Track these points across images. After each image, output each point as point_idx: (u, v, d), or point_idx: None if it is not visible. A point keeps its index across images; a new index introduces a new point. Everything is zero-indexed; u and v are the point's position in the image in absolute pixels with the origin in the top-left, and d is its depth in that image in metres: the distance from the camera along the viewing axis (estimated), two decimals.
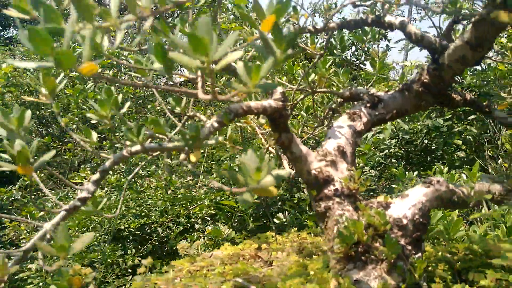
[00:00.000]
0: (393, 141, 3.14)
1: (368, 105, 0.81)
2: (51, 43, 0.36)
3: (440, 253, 0.75)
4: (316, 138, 1.50)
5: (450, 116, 2.79)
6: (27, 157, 0.50)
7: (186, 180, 3.07)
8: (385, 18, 0.77)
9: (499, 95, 0.98)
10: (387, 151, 3.20)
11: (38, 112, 5.57)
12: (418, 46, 0.76)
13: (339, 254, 0.63)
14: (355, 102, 0.86)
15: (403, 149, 3.28)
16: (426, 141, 3.29)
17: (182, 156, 0.53)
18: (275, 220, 1.28)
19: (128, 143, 0.57)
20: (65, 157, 4.63)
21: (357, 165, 0.86)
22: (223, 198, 2.61)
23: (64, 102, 4.80)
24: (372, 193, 2.30)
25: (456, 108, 0.84)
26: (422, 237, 0.65)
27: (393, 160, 3.18)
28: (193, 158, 0.50)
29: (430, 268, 0.68)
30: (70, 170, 5.31)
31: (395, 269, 0.60)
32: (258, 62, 0.43)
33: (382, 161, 3.17)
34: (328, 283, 0.62)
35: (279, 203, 2.19)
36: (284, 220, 1.36)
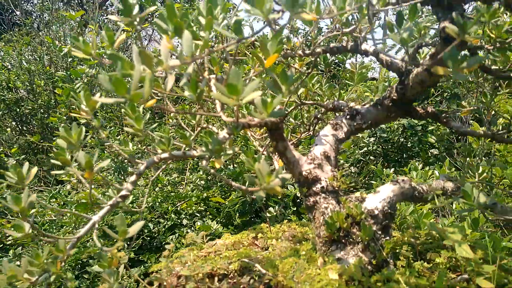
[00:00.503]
0: (372, 139, 3.37)
1: (348, 116, 0.99)
2: (125, 86, 0.52)
3: (405, 238, 0.94)
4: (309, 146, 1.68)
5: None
6: (91, 165, 0.66)
7: (172, 178, 3.19)
8: (361, 46, 0.95)
9: (461, 104, 1.18)
10: (366, 148, 3.43)
11: (18, 110, 5.59)
12: (388, 70, 0.94)
13: (325, 238, 0.82)
14: (337, 114, 1.05)
15: (381, 146, 3.52)
16: (402, 139, 3.55)
17: (205, 162, 0.69)
18: (267, 213, 1.46)
19: (159, 150, 0.73)
20: (51, 155, 4.65)
21: (338, 164, 1.05)
22: (210, 196, 2.77)
23: (45, 99, 4.84)
24: (352, 188, 2.51)
25: (420, 119, 1.04)
26: (390, 224, 0.84)
27: (371, 157, 3.41)
28: (217, 164, 0.67)
29: (397, 249, 0.87)
30: (54, 168, 5.35)
31: (368, 249, 0.78)
32: (270, 94, 0.60)
33: (362, 158, 3.40)
34: (316, 261, 0.80)
35: (264, 199, 2.38)
36: (275, 213, 1.54)
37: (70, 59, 3.98)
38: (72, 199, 2.69)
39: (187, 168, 3.28)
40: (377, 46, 0.92)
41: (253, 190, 0.60)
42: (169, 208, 2.74)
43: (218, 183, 2.91)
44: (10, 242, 2.34)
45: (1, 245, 2.35)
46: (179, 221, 2.66)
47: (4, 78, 5.58)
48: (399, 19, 0.80)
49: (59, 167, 4.29)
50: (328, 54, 1.05)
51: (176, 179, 3.14)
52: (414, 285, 0.70)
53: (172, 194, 2.76)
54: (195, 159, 3.17)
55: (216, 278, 0.84)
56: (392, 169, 2.40)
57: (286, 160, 0.89)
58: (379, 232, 0.80)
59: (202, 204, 2.84)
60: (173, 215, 2.65)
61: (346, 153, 3.08)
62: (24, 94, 6.04)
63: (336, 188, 0.87)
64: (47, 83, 6.21)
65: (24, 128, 5.86)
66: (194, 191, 2.87)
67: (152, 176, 2.94)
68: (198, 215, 2.72)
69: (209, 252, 0.97)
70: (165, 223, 2.58)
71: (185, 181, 3.03)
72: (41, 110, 6.10)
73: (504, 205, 0.82)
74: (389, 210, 0.83)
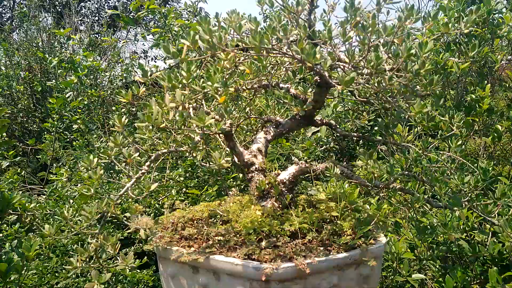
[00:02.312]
0: (330, 138, 4.15)
1: (274, 126, 1.74)
2: (150, 118, 1.23)
3: (307, 197, 1.69)
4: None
5: (373, 117, 3.80)
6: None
7: (154, 175, 3.86)
8: (280, 85, 1.70)
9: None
10: (325, 146, 4.21)
11: None
12: (296, 99, 1.69)
13: (256, 196, 1.56)
14: (268, 124, 1.79)
15: (338, 144, 4.32)
16: (355, 138, 4.35)
17: (199, 157, 1.41)
18: (230, 191, 2.17)
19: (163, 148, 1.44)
20: (37, 156, 5.25)
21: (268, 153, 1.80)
22: (189, 188, 3.49)
23: (25, 104, 5.41)
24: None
25: (318, 126, 1.78)
26: (293, 187, 1.58)
27: (331, 153, 4.19)
28: (198, 157, 1.40)
29: (298, 203, 1.62)
30: (38, 169, 5.97)
31: (278, 200, 1.52)
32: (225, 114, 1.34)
33: (322, 155, 4.18)
34: (251, 207, 1.54)
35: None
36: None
37: (59, 71, 4.61)
38: (68, 194, 3.35)
39: (167, 167, 3.97)
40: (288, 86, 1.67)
41: (212, 166, 1.33)
42: (152, 202, 3.39)
43: (195, 179, 3.63)
44: (2, 235, 2.96)
45: None
46: (163, 210, 3.35)
47: None
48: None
49: (44, 169, 4.92)
50: None
51: (157, 176, 3.82)
52: (296, 214, 1.45)
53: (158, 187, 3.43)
54: (174, 158, 3.85)
55: (195, 221, 1.57)
56: (345, 163, 3.16)
57: (235, 152, 1.62)
58: (285, 191, 1.55)
59: (183, 196, 3.55)
60: (157, 205, 3.32)
61: (308, 151, 3.85)
62: (1, 99, 6.59)
63: (264, 168, 1.61)
64: (26, 88, 6.78)
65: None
66: (174, 186, 3.56)
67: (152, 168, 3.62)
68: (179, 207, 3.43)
69: (191, 210, 1.70)
70: (149, 211, 3.25)
71: (165, 178, 3.72)
72: (21, 114, 6.69)
73: (356, 175, 1.58)
74: (292, 179, 1.57)
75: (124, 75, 5.90)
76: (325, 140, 4.18)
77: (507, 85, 3.03)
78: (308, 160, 4.05)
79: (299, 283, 1.24)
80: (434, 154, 1.62)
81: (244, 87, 1.69)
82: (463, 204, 1.43)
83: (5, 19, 10.67)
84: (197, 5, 4.85)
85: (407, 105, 1.38)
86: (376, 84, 1.25)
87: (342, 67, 1.32)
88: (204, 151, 1.76)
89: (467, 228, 2.17)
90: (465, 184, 1.50)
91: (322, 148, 4.23)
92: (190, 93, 1.36)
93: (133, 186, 1.43)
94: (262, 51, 1.30)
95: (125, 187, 1.43)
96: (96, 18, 11.42)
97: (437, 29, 1.46)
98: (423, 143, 1.57)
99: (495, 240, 2.19)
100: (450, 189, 1.49)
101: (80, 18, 10.67)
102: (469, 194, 1.50)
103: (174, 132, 1.51)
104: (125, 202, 2.97)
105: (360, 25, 1.23)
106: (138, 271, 2.66)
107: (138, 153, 1.49)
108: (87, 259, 1.35)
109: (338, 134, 1.97)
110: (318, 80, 1.47)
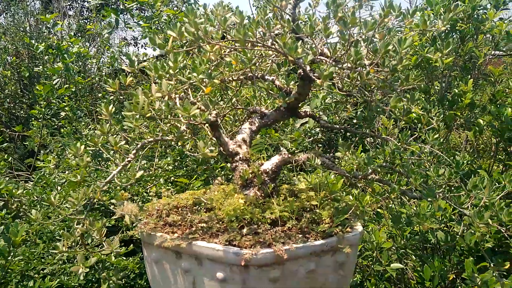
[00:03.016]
0: (318, 129, 4.22)
1: (259, 117, 1.79)
2: (137, 107, 1.28)
3: (290, 187, 1.75)
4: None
5: (361, 109, 3.87)
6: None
7: (142, 164, 3.89)
8: (265, 76, 1.74)
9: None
10: (313, 137, 4.28)
11: None
12: (280, 90, 1.74)
13: (239, 184, 1.61)
14: (253, 115, 1.84)
15: (325, 135, 4.39)
16: (342, 130, 4.42)
17: (188, 146, 1.46)
18: (216, 181, 2.23)
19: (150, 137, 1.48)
20: (24, 143, 5.23)
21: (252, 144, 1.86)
22: (177, 176, 3.53)
23: (12, 89, 5.40)
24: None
25: (302, 118, 1.84)
26: (276, 177, 1.64)
27: (319, 144, 4.26)
28: (187, 146, 1.44)
29: (280, 192, 1.68)
30: (24, 156, 5.97)
31: (260, 189, 1.58)
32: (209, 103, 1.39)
33: (309, 145, 4.25)
34: (234, 195, 1.60)
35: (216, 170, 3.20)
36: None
37: (46, 57, 4.59)
38: (55, 181, 3.37)
39: (156, 155, 4.01)
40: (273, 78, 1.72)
41: (197, 154, 1.38)
42: (140, 190, 3.43)
43: (184, 168, 3.67)
44: None
45: None
46: (149, 198, 3.39)
47: None
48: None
49: (31, 155, 4.96)
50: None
51: (146, 165, 3.85)
52: (277, 203, 1.51)
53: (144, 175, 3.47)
54: (163, 147, 3.89)
55: (179, 208, 1.63)
56: (331, 154, 3.23)
57: (220, 142, 1.67)
58: (268, 180, 1.61)
59: (171, 185, 3.59)
60: (145, 193, 3.36)
61: (296, 142, 3.91)
62: None
63: (247, 158, 1.66)
64: (13, 73, 6.73)
65: None
66: (162, 175, 3.59)
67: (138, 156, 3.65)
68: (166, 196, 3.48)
69: (177, 198, 1.75)
70: (137, 199, 3.29)
71: (154, 166, 3.76)
72: (7, 99, 6.64)
73: (337, 166, 1.65)
74: (274, 169, 1.63)
75: (112, 62, 5.88)
76: (313, 131, 4.25)
77: (492, 80, 3.11)
78: (296, 151, 4.12)
79: (277, 268, 1.30)
80: (413, 147, 1.69)
81: (230, 78, 1.73)
82: (437, 195, 1.50)
83: None
84: None
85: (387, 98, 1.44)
86: (355, 78, 1.31)
87: (324, 61, 1.37)
88: (192, 140, 1.81)
89: (445, 219, 2.26)
90: (440, 176, 1.57)
91: (310, 139, 4.30)
92: (177, 83, 1.40)
93: (119, 173, 1.47)
94: (246, 44, 1.35)
95: (111, 175, 1.48)
96: (85, 3, 11.29)
97: (416, 25, 1.51)
98: (402, 136, 1.64)
99: (472, 231, 2.28)
100: (424, 181, 1.56)
101: (69, 3, 10.56)
102: (443, 186, 1.57)
103: (161, 121, 1.56)
104: (113, 190, 3.01)
105: (341, 21, 1.28)
106: (124, 258, 2.72)
107: (125, 142, 1.53)
108: (73, 244, 1.40)
109: (322, 125, 2.01)
110: (301, 73, 1.52)
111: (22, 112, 6.35)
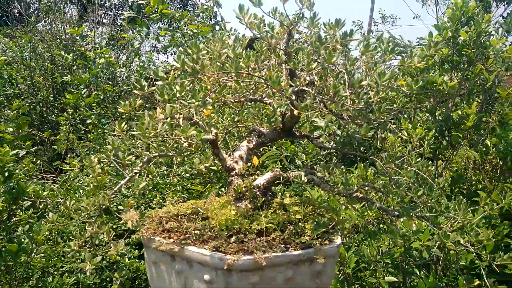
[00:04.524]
0: (332, 143, 4.36)
1: (257, 135, 2.00)
2: (142, 127, 1.51)
3: (280, 201, 1.95)
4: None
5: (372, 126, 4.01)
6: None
7: (161, 170, 4.16)
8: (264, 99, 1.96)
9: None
10: (327, 150, 4.45)
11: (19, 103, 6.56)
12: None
13: (233, 197, 1.83)
14: (252, 133, 2.06)
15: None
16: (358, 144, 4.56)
17: (202, 167, 1.68)
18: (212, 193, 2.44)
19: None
20: (53, 146, 5.62)
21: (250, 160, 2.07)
22: (193, 184, 3.78)
23: (44, 95, 5.79)
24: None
25: (297, 138, 2.04)
26: (267, 192, 1.84)
27: (333, 157, 4.42)
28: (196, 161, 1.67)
29: (271, 205, 1.88)
30: (53, 159, 6.39)
31: (251, 202, 1.78)
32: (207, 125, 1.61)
33: (322, 159, 4.42)
34: (228, 207, 1.81)
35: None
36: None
37: (74, 67, 4.97)
38: (79, 184, 3.68)
39: (175, 162, 4.27)
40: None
41: (193, 168, 1.60)
42: (157, 196, 3.69)
43: (201, 176, 3.92)
44: (15, 221, 3.30)
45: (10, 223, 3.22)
46: (164, 204, 3.64)
47: (7, 73, 6.50)
48: None
49: (59, 158, 5.35)
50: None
51: (165, 171, 4.11)
52: (265, 215, 1.71)
53: (160, 183, 3.74)
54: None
55: (179, 216, 1.86)
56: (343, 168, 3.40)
57: (219, 158, 1.90)
58: (259, 194, 1.82)
59: (185, 193, 3.84)
60: (161, 201, 3.62)
61: (311, 154, 4.09)
62: (24, 88, 7.04)
63: (243, 173, 1.88)
64: (47, 78, 7.21)
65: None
66: (179, 182, 3.85)
67: (145, 169, 3.93)
68: (181, 201, 3.72)
69: (181, 206, 1.98)
70: (154, 207, 3.55)
71: (173, 174, 4.01)
72: (40, 104, 7.12)
73: (324, 183, 1.83)
74: (266, 184, 1.84)
75: (141, 71, 6.22)
76: (335, 139, 4.38)
77: (500, 102, 3.21)
78: (309, 163, 4.29)
79: (257, 274, 1.50)
80: (396, 169, 1.86)
81: (231, 101, 1.95)
82: (413, 214, 1.66)
83: (32, 10, 11.25)
84: (213, 8, 5.14)
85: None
86: (332, 109, 1.50)
87: (307, 92, 1.57)
88: (208, 155, 2.03)
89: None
90: (419, 197, 1.74)
91: (324, 152, 4.47)
92: (182, 105, 1.63)
93: (127, 183, 1.72)
94: (239, 76, 1.57)
95: (118, 185, 1.73)
96: (119, 12, 11.85)
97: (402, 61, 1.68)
98: (386, 158, 1.81)
99: (467, 250, 2.41)
100: (403, 201, 1.72)
101: (104, 11, 11.17)
102: (421, 206, 1.73)
103: (167, 138, 1.79)
104: (129, 197, 3.27)
105: (322, 56, 1.48)
106: (137, 260, 2.97)
107: (134, 156, 1.77)
108: (83, 244, 1.65)
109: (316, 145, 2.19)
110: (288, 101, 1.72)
111: (53, 116, 6.79)
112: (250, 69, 1.56)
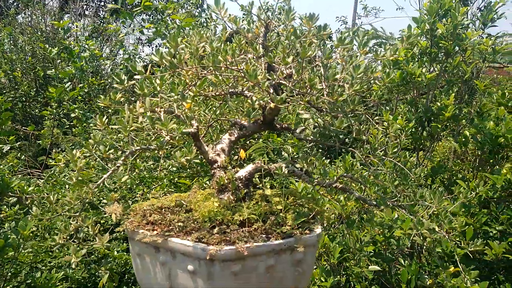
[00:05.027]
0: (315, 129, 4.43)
1: (238, 128, 2.04)
2: (122, 121, 1.54)
3: (263, 192, 2.00)
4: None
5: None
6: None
7: (148, 164, 4.18)
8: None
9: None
10: (313, 143, 4.51)
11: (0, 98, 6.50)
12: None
13: (216, 189, 1.87)
14: (233, 126, 2.10)
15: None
16: (341, 136, 4.64)
17: (183, 160, 1.73)
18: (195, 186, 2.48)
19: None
20: (38, 141, 5.59)
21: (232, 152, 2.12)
22: (180, 178, 3.81)
23: (25, 89, 5.73)
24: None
25: (278, 131, 2.08)
26: (249, 183, 1.89)
27: (319, 150, 4.48)
28: (178, 154, 1.71)
29: (253, 197, 1.93)
30: (38, 154, 6.35)
31: (234, 193, 1.83)
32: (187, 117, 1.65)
33: (309, 151, 4.47)
34: (211, 199, 1.86)
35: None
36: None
37: (58, 61, 4.95)
38: (65, 179, 3.68)
39: (161, 156, 4.29)
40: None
41: (177, 162, 1.64)
42: (145, 190, 3.72)
43: (188, 170, 3.95)
44: (2, 216, 3.31)
45: None
46: (150, 198, 3.67)
47: None
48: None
49: (44, 153, 5.35)
50: None
51: (152, 165, 4.14)
52: (247, 206, 1.76)
53: (147, 177, 3.76)
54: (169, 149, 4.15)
55: (162, 209, 1.90)
56: (329, 160, 3.47)
57: (201, 151, 1.94)
58: (241, 186, 1.86)
59: (173, 187, 3.87)
60: (147, 195, 3.64)
61: (297, 147, 4.14)
62: (6, 83, 6.95)
63: (225, 166, 1.92)
64: (28, 72, 7.13)
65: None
66: (166, 176, 3.87)
67: (130, 162, 3.95)
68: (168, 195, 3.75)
69: (165, 199, 2.02)
70: (140, 201, 3.58)
71: (160, 168, 4.04)
72: (23, 99, 7.05)
73: (304, 175, 1.89)
74: (248, 176, 1.89)
75: (125, 64, 6.19)
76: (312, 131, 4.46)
77: (479, 94, 3.29)
78: (296, 155, 4.32)
79: (239, 263, 1.55)
80: (375, 160, 1.92)
81: (212, 94, 1.99)
82: (389, 203, 1.73)
83: (11, 2, 11.07)
84: None
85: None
86: (310, 101, 1.55)
87: (284, 85, 1.62)
88: (191, 149, 2.07)
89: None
90: (396, 187, 1.81)
91: (310, 145, 4.53)
92: (162, 99, 1.67)
93: (109, 177, 1.75)
94: (218, 69, 1.61)
95: (101, 179, 1.76)
96: (102, 3, 11.75)
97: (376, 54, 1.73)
98: (363, 149, 1.87)
99: (447, 239, 2.50)
100: (381, 191, 1.79)
101: (86, 3, 11.04)
102: (398, 195, 1.80)
103: (148, 132, 1.83)
104: (118, 190, 3.29)
105: (296, 51, 1.53)
106: (125, 254, 3.01)
107: (117, 149, 1.81)
108: (69, 238, 1.68)
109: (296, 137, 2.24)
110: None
111: (36, 111, 6.74)
112: (228, 63, 1.60)
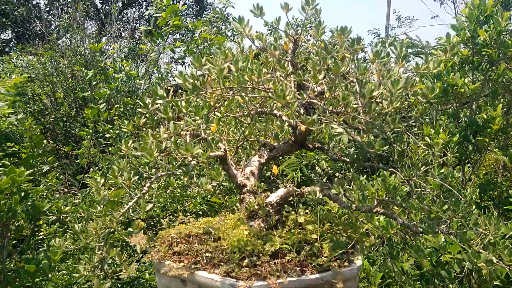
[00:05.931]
0: (352, 149, 4.23)
1: (268, 150, 1.90)
2: (145, 147, 1.44)
3: (296, 218, 1.84)
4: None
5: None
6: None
7: (181, 181, 4.10)
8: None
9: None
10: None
11: (43, 119, 6.65)
12: (289, 127, 1.85)
13: (246, 215, 1.73)
14: (262, 148, 1.96)
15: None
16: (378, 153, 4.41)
17: (209, 187, 1.62)
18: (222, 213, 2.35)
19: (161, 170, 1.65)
20: (76, 160, 5.66)
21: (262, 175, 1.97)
22: (212, 196, 3.71)
23: (66, 110, 5.84)
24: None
25: (311, 150, 1.92)
26: (281, 209, 1.74)
27: (355, 165, 4.27)
28: (207, 187, 1.59)
29: (286, 223, 1.77)
30: (77, 172, 6.42)
31: (265, 220, 1.68)
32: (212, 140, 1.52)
33: (344, 166, 4.27)
34: (240, 227, 1.72)
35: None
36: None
37: (94, 83, 5.00)
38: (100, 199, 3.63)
39: (194, 174, 4.20)
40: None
41: (202, 189, 1.52)
42: (178, 207, 3.64)
43: (220, 187, 3.84)
44: (42, 236, 3.29)
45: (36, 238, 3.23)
46: (186, 218, 3.59)
47: (30, 90, 6.59)
48: None
49: (82, 172, 5.35)
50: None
51: (185, 182, 4.05)
52: (279, 235, 1.61)
53: (178, 195, 3.67)
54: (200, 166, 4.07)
55: (190, 237, 1.77)
56: (365, 176, 3.27)
57: (229, 175, 1.81)
58: (272, 212, 1.72)
59: (204, 205, 3.77)
60: (181, 214, 3.56)
61: (331, 162, 3.96)
62: (48, 104, 7.13)
63: (255, 190, 1.78)
64: (69, 94, 7.28)
65: (48, 135, 6.95)
66: (199, 194, 3.78)
67: (164, 181, 3.88)
68: (201, 213, 3.65)
69: (193, 225, 1.90)
70: (174, 220, 3.50)
71: (192, 185, 3.95)
72: (64, 119, 7.19)
73: (340, 199, 1.72)
74: (279, 202, 1.74)
75: (159, 83, 6.20)
76: (347, 152, 4.26)
77: None
78: (330, 171, 4.15)
79: None
80: (419, 180, 1.73)
81: (240, 114, 1.87)
82: (437, 231, 1.53)
83: (53, 27, 11.49)
84: (225, 11, 5.09)
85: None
86: (342, 121, 1.39)
87: (316, 105, 1.47)
88: (220, 171, 1.95)
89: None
90: (445, 212, 1.60)
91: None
92: (187, 123, 1.56)
93: (135, 204, 1.65)
94: (244, 90, 1.48)
95: (126, 206, 1.66)
96: (137, 25, 11.98)
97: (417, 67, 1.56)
98: (406, 171, 1.69)
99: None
100: (427, 216, 1.59)
101: (122, 25, 11.32)
102: (447, 222, 1.59)
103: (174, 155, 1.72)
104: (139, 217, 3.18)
105: (329, 66, 1.38)
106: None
107: (140, 175, 1.70)
108: (92, 269, 1.58)
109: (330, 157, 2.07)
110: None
111: (76, 130, 6.86)
112: (254, 82, 1.47)
